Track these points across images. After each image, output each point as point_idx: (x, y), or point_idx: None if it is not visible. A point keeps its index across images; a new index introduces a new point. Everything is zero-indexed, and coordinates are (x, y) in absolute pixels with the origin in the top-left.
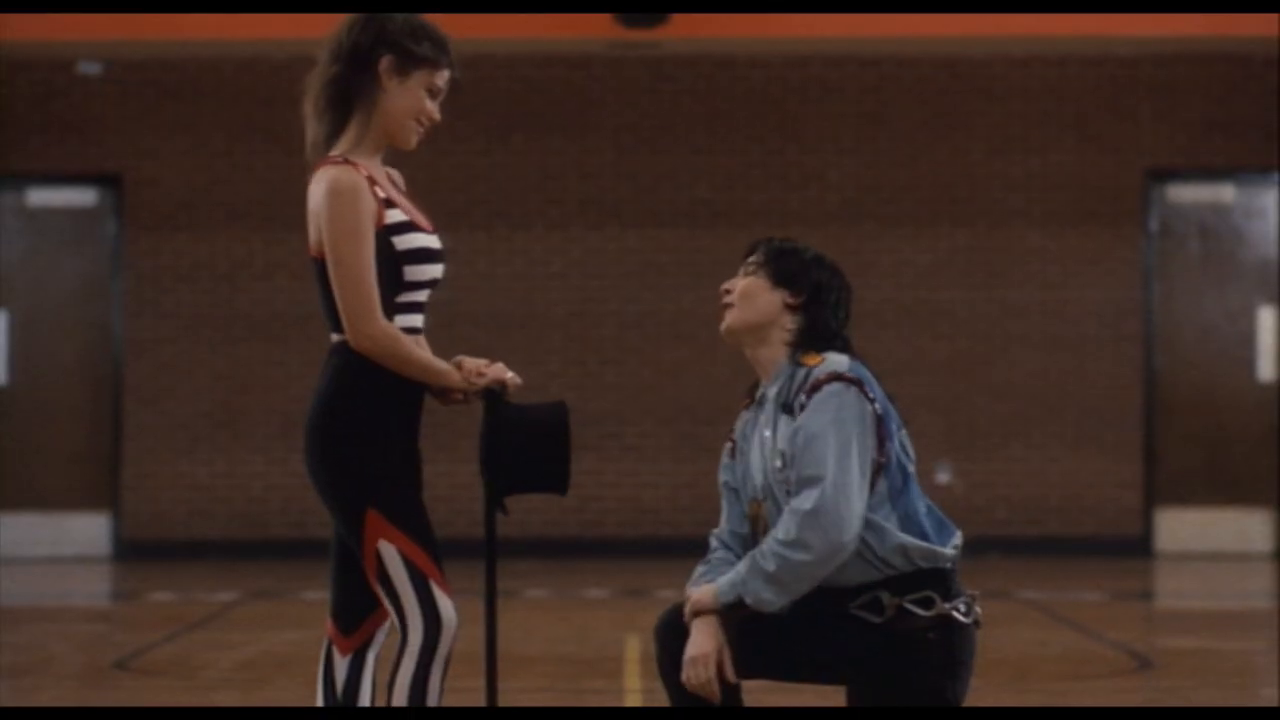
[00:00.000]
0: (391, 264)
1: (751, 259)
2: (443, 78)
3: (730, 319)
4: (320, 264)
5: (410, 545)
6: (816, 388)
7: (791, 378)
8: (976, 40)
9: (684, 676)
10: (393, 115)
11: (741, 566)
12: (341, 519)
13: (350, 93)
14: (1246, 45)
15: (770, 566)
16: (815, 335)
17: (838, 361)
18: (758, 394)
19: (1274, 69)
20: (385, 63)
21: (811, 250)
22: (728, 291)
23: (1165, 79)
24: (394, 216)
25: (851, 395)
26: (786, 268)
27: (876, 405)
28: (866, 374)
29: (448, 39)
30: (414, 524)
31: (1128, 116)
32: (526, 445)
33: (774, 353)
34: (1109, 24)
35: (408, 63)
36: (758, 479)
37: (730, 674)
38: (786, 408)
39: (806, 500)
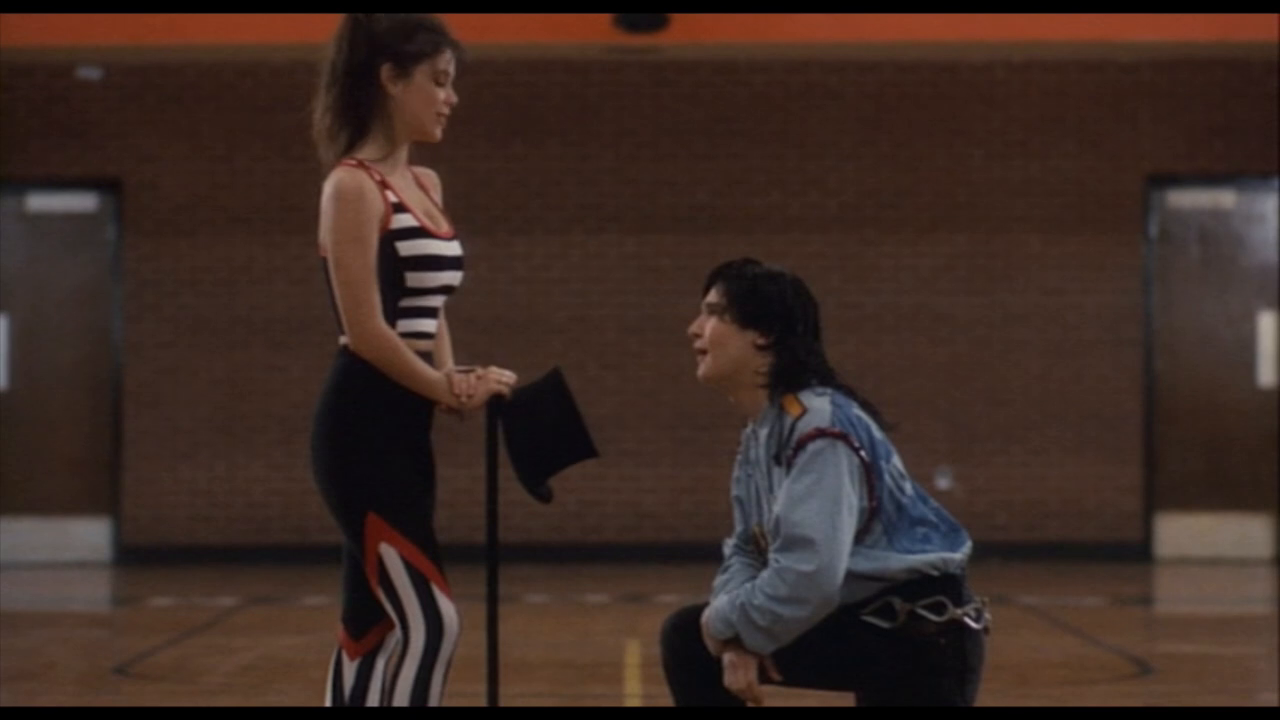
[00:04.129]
0: (393, 269)
1: (714, 297)
2: (445, 60)
3: (705, 368)
4: (327, 264)
5: (410, 548)
6: (803, 445)
7: (779, 423)
8: (977, 45)
9: (727, 681)
10: (408, 117)
11: (733, 611)
12: (342, 522)
13: (360, 109)
14: (1246, 50)
15: (763, 622)
16: (788, 372)
17: (819, 412)
18: (749, 427)
19: (1274, 74)
20: (385, 72)
21: (773, 276)
22: (696, 336)
23: (1165, 84)
24: (402, 221)
25: (837, 450)
26: (753, 307)
27: (863, 453)
28: (850, 415)
29: (440, 21)
30: (414, 527)
31: (1128, 121)
32: (542, 433)
33: (753, 395)
34: (1109, 29)
35: (406, 63)
36: (765, 506)
37: (774, 673)
38: (778, 459)
39: (803, 562)
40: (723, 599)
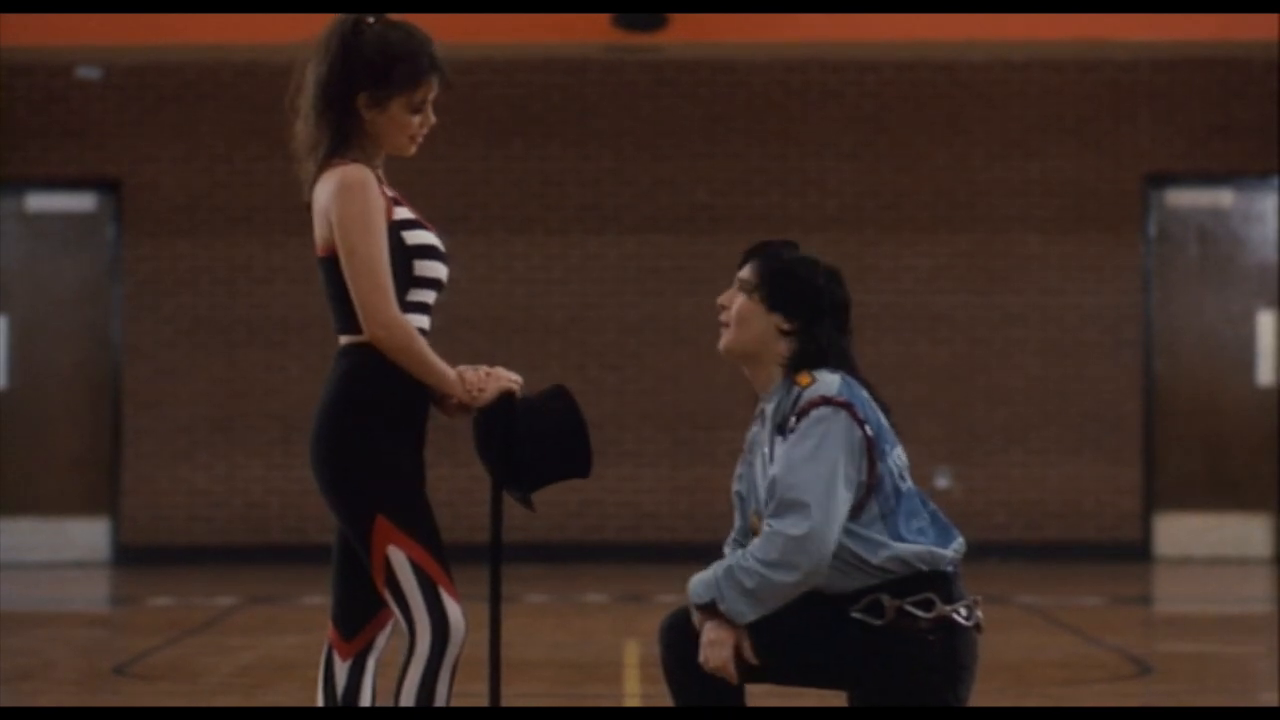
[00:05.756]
0: (403, 258)
1: (748, 274)
2: (423, 91)
3: (726, 341)
4: (327, 263)
5: (419, 551)
6: (806, 411)
7: (786, 397)
8: (976, 45)
9: (702, 657)
10: (383, 139)
11: (717, 573)
12: (350, 524)
13: (339, 126)
14: (1245, 50)
15: (750, 584)
16: (808, 357)
17: (828, 383)
18: (757, 409)
19: (1273, 73)
20: (363, 100)
21: (809, 264)
22: (724, 308)
23: (1164, 84)
24: (401, 213)
25: (840, 419)
26: (783, 292)
27: (868, 427)
28: (859, 393)
29: (426, 42)
30: (423, 530)
31: (1127, 121)
32: (546, 440)
33: (769, 372)
34: (1108, 28)
35: (382, 95)
36: (761, 493)
37: (750, 655)
38: (780, 429)
39: (795, 526)
40: (707, 569)
